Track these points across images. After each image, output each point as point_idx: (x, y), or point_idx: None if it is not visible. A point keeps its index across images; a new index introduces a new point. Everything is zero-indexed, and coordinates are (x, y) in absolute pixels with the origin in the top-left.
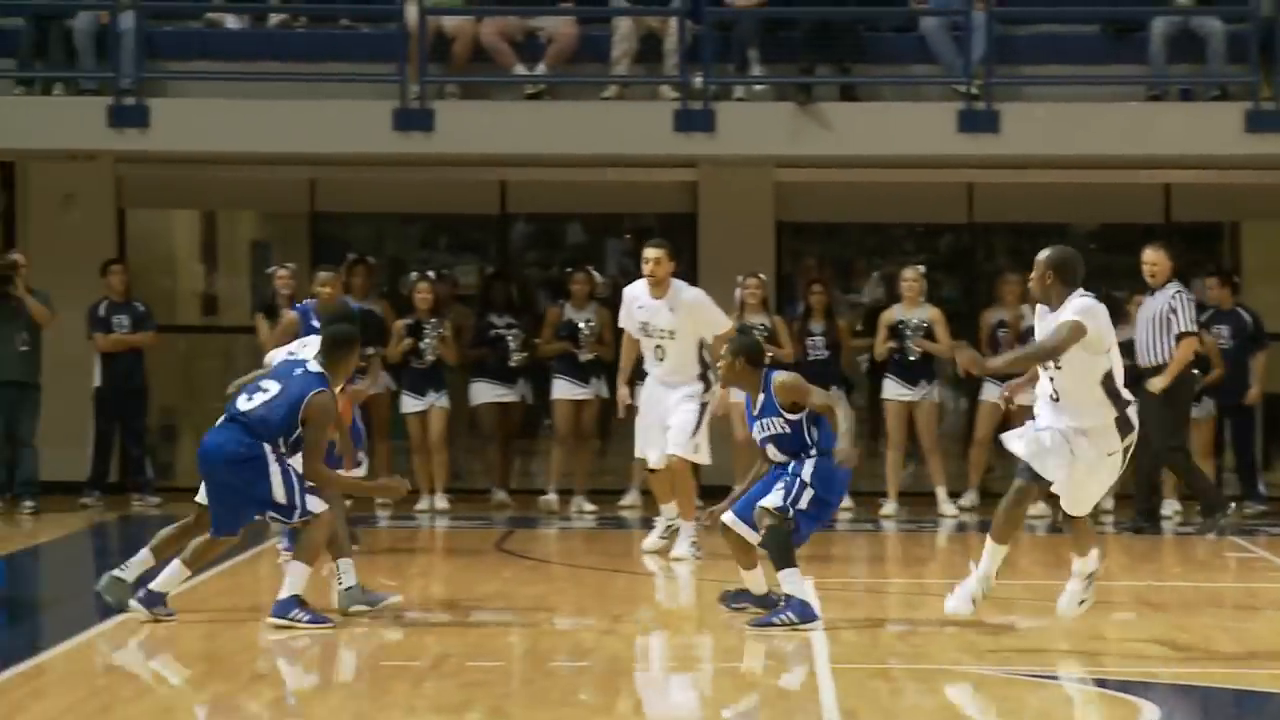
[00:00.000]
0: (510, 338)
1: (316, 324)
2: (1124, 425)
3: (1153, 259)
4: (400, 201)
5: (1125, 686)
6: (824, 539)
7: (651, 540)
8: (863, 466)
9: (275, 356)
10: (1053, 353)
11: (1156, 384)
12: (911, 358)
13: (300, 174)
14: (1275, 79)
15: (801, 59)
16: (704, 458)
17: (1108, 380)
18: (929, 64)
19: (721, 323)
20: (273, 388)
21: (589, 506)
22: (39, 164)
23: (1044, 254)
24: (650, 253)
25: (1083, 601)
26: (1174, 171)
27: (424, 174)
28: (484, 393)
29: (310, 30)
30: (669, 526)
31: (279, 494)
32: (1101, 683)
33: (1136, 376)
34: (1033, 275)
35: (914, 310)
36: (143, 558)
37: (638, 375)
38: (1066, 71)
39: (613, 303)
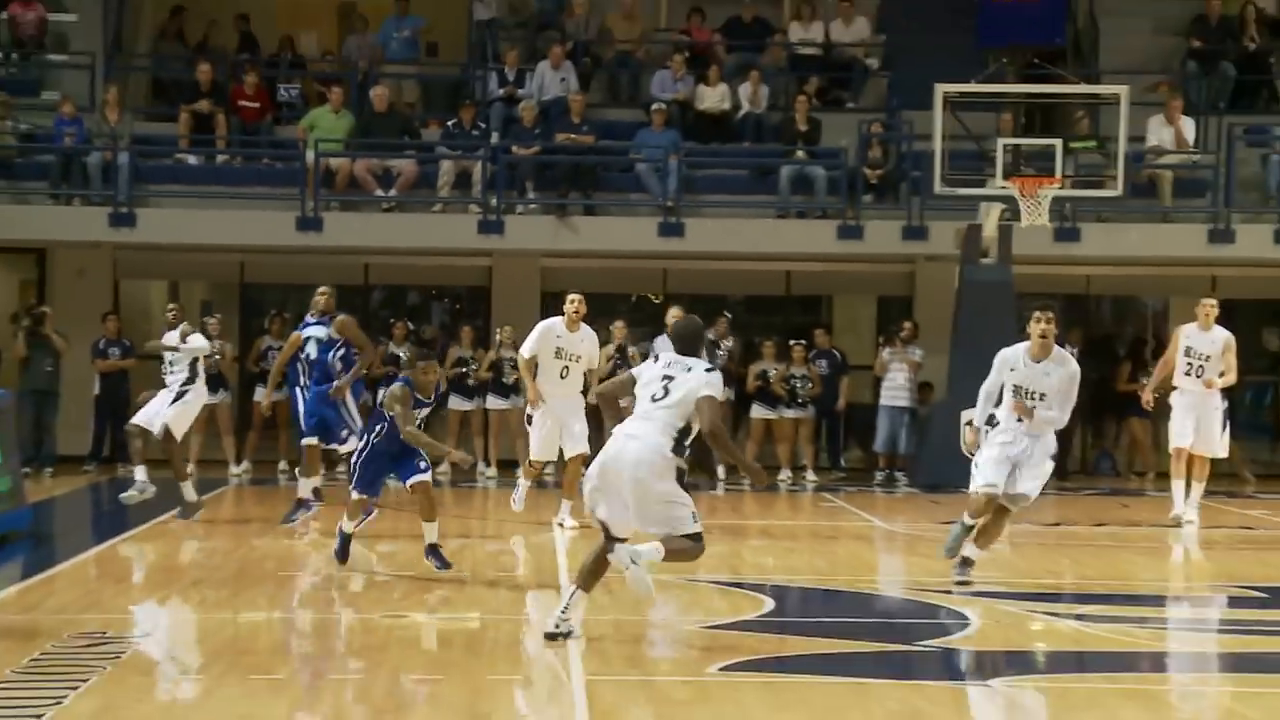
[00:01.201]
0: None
1: (310, 320)
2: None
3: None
4: (301, 276)
5: (754, 587)
6: None
7: (567, 519)
8: None
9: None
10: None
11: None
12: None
13: (234, 258)
14: (855, 205)
15: (561, 188)
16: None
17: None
18: (641, 192)
19: (597, 355)
20: None
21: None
22: (62, 250)
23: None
24: (576, 297)
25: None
26: (792, 263)
27: (316, 259)
28: None
29: (245, 165)
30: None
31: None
32: (736, 585)
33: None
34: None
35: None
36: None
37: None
38: (728, 199)
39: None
